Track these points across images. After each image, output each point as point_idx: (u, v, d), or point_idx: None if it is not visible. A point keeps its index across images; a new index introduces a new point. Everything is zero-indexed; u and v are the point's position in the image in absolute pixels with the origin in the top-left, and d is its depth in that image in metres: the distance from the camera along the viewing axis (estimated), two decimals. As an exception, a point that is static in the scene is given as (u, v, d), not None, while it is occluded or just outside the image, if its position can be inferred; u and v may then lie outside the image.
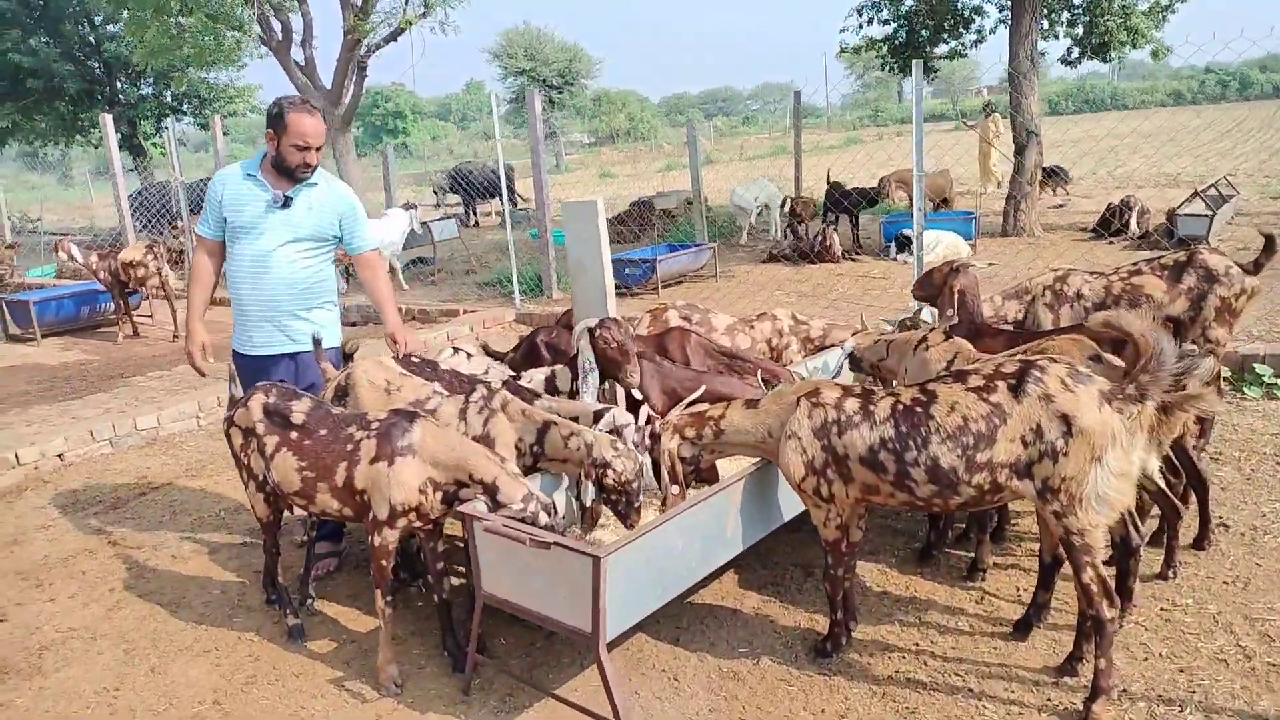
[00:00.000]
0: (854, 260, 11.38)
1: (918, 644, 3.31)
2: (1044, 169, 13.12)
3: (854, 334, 4.29)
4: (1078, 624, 3.02)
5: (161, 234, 15.16)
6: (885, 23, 14.22)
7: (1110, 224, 11.20)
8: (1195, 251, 4.55)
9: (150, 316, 10.38)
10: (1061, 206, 14.78)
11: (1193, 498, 3.81)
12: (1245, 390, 5.43)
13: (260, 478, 3.41)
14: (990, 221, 12.67)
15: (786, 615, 3.58)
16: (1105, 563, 3.26)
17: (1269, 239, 4.28)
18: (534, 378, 3.80)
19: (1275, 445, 4.69)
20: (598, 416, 3.41)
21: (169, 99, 23.14)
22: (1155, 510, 3.69)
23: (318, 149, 3.84)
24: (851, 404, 3.02)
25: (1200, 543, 3.76)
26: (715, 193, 16.50)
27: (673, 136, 56.46)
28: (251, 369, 4.02)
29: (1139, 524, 3.32)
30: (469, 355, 4.22)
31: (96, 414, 6.53)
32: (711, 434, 3.33)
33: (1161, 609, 3.38)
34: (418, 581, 3.90)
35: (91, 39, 21.86)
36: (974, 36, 13.51)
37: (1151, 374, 2.67)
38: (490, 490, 3.02)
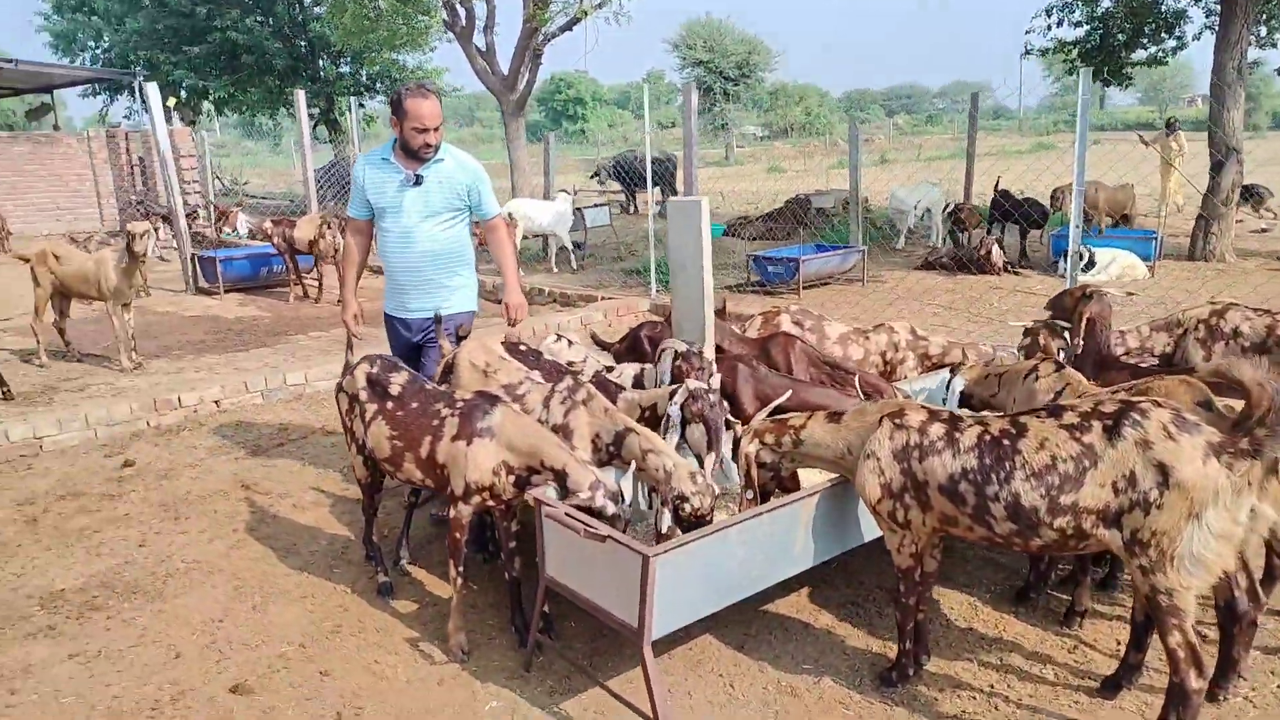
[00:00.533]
0: (1016, 274, 10.78)
1: (993, 686, 3.14)
2: (1243, 187, 11.97)
3: (953, 367, 4.01)
4: (1168, 689, 2.77)
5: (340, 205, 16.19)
6: (1077, 24, 13.35)
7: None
8: None
9: (319, 281, 11.15)
10: (1265, 231, 13.44)
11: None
12: None
13: (360, 441, 3.63)
14: (1177, 243, 11.70)
15: (859, 638, 3.47)
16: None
17: None
18: (624, 372, 3.85)
19: None
20: (672, 396, 3.43)
21: (364, 78, 24.68)
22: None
23: (436, 129, 4.05)
24: (936, 429, 2.89)
25: None
26: (880, 194, 16.03)
27: (848, 133, 55.06)
28: (405, 329, 4.41)
29: (1259, 589, 3.02)
30: (570, 343, 4.32)
31: (256, 366, 7.11)
32: (791, 443, 3.27)
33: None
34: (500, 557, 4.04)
35: (300, 19, 23.61)
36: (1174, 43, 12.43)
37: (1269, 428, 2.41)
38: (560, 477, 3.09)
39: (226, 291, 10.38)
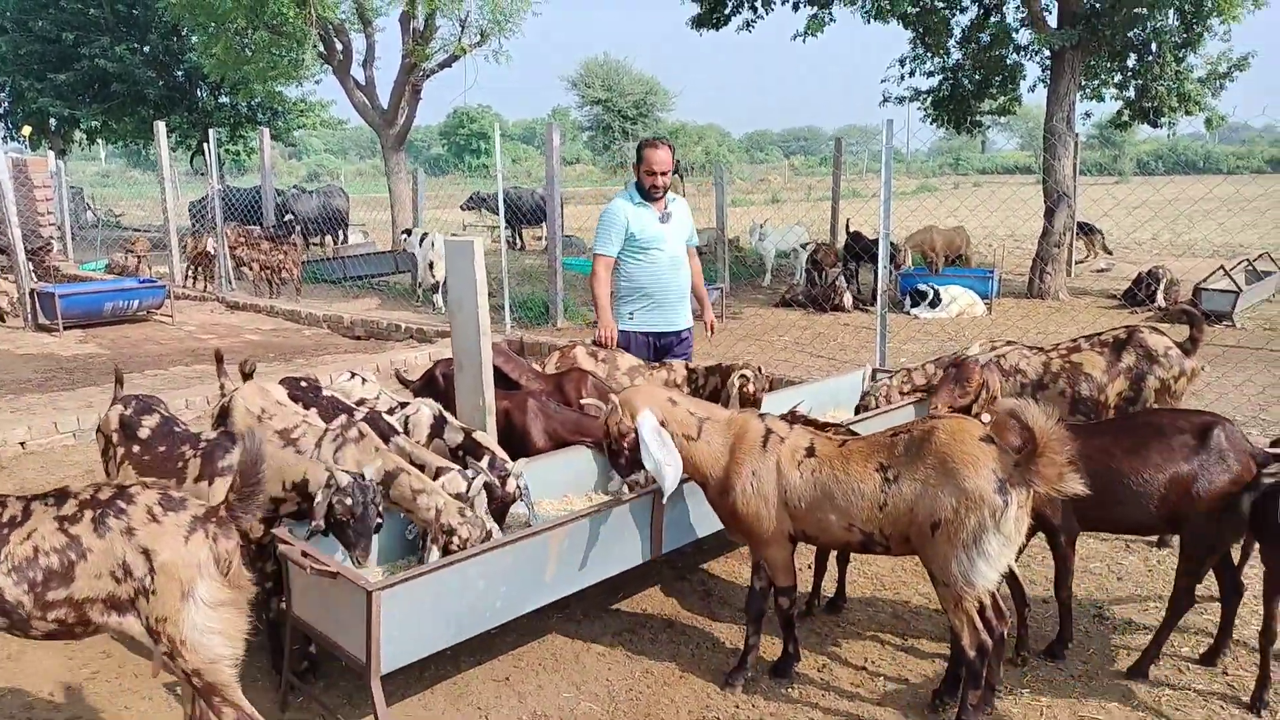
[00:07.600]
0: (866, 311, 11.25)
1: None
2: (1080, 224, 12.81)
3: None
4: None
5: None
6: (929, 74, 14.11)
7: (1137, 293, 10.90)
8: (1135, 330, 4.46)
9: (171, 316, 10.85)
10: (1105, 271, 14.37)
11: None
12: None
13: (117, 483, 3.57)
14: (1023, 281, 12.40)
15: (622, 664, 3.56)
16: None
17: (1190, 315, 4.29)
18: (420, 409, 3.87)
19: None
20: (440, 472, 3.46)
21: (244, 109, 24.19)
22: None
23: (665, 173, 4.96)
24: None
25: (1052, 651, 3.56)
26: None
27: (748, 173, 56.56)
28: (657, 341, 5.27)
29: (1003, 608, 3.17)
30: (364, 380, 4.34)
31: (77, 406, 6.85)
32: None
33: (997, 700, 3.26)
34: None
35: (176, 49, 23.04)
36: (1007, 97, 13.30)
37: (240, 495, 2.52)
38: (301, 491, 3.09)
39: (67, 328, 9.97)
